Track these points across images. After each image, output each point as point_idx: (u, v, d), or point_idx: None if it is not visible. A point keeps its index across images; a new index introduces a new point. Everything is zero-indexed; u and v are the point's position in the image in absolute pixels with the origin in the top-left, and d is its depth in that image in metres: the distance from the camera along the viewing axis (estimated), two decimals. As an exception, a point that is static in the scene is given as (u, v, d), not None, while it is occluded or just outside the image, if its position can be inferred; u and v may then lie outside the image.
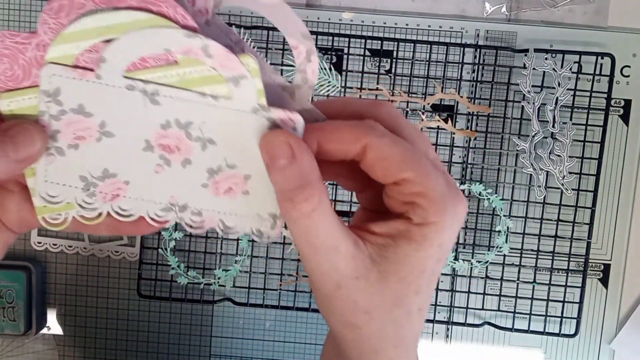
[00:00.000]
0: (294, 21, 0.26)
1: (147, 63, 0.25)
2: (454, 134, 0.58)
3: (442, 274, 0.60)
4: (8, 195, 0.29)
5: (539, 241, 0.59)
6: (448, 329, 0.62)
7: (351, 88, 0.58)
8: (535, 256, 0.59)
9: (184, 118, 0.26)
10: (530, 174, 0.57)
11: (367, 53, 0.58)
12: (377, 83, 0.58)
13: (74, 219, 0.28)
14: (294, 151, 0.25)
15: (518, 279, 0.59)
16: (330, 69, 0.57)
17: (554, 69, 0.55)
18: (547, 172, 0.57)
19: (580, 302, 0.59)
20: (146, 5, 0.24)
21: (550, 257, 0.59)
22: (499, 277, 0.59)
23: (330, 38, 0.57)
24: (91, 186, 0.27)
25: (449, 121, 0.58)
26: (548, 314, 0.59)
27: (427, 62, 0.58)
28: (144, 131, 0.26)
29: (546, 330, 0.59)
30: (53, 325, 0.61)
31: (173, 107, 0.25)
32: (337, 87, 0.57)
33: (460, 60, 0.57)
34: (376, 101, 0.29)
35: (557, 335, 0.59)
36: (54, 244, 0.60)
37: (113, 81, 0.25)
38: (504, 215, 0.58)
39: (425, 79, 0.58)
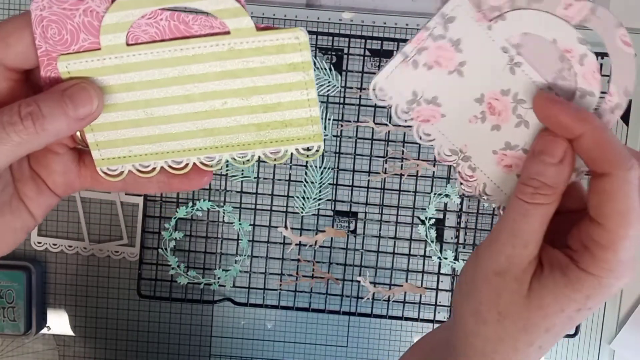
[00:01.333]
0: (630, 75, 0.29)
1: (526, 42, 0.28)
2: (454, 134, 0.58)
3: (442, 274, 0.60)
4: (54, 158, 0.30)
5: (539, 241, 0.59)
6: (448, 329, 0.62)
7: (351, 88, 0.58)
8: (535, 256, 0.59)
9: (522, 95, 0.29)
10: (530, 174, 0.57)
11: (367, 53, 0.58)
12: (377, 83, 0.58)
13: (130, 172, 0.29)
14: (565, 158, 0.27)
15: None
16: (330, 69, 0.57)
17: (554, 69, 0.55)
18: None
19: (580, 302, 0.59)
20: None
21: (550, 257, 0.59)
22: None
23: (330, 38, 0.57)
24: (415, 103, 0.29)
25: (449, 121, 0.58)
26: (548, 314, 0.59)
27: (427, 62, 0.58)
28: (487, 86, 0.29)
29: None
30: (53, 325, 0.61)
31: (521, 83, 0.28)
32: (337, 87, 0.57)
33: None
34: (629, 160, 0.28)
35: (557, 335, 0.59)
36: (54, 244, 0.60)
37: (497, 37, 0.28)
38: (504, 215, 0.58)
39: (425, 79, 0.58)
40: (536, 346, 0.29)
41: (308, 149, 0.29)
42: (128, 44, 0.27)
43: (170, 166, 0.29)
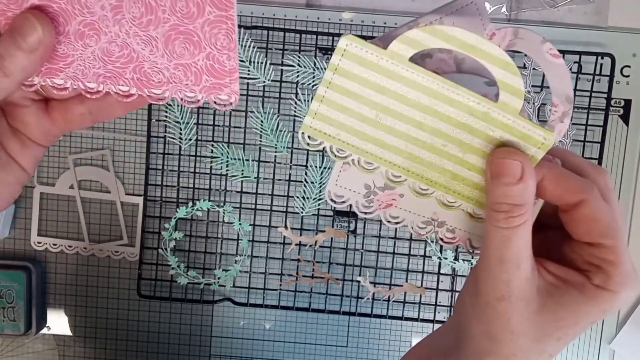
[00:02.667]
0: (566, 83, 0.29)
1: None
2: (454, 134, 0.58)
3: (442, 274, 0.60)
4: (25, 111, 0.32)
5: (539, 241, 0.59)
6: (448, 329, 0.62)
7: (351, 88, 0.58)
8: (535, 256, 0.59)
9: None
10: (530, 174, 0.57)
11: (367, 53, 0.58)
12: (377, 83, 0.58)
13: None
14: (524, 174, 0.28)
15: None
16: (330, 69, 0.57)
17: (554, 69, 0.55)
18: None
19: (580, 302, 0.59)
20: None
21: (550, 257, 0.59)
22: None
23: (330, 38, 0.57)
24: (371, 194, 0.31)
25: (449, 121, 0.58)
26: (548, 314, 0.59)
27: (427, 62, 0.57)
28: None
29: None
30: (53, 325, 0.61)
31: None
32: (337, 87, 0.57)
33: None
34: (599, 167, 0.31)
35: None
36: (54, 244, 0.60)
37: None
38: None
39: (425, 79, 0.58)
40: (547, 354, 0.30)
41: (473, 214, 0.32)
42: (410, 60, 0.28)
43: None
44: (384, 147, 0.30)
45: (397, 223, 0.32)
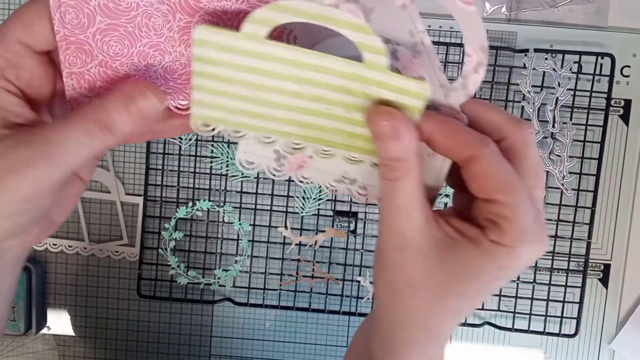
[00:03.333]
0: (479, 32, 0.29)
1: None
2: (454, 134, 0.58)
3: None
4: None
5: (539, 241, 0.59)
6: (448, 329, 0.62)
7: (351, 88, 0.58)
8: (535, 256, 0.59)
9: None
10: (530, 174, 0.57)
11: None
12: (377, 83, 0.58)
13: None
14: (399, 132, 0.28)
15: (518, 279, 0.59)
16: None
17: (554, 69, 0.55)
18: (547, 172, 0.57)
19: (580, 302, 0.59)
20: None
21: (550, 257, 0.59)
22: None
23: (330, 38, 0.57)
24: (280, 158, 0.32)
25: (449, 121, 0.58)
26: (548, 313, 0.59)
27: (427, 62, 0.57)
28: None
29: (546, 330, 0.59)
30: (53, 325, 0.61)
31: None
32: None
33: (460, 61, 0.57)
34: (520, 121, 0.31)
35: (557, 335, 0.59)
36: (54, 244, 0.60)
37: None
38: (504, 215, 0.58)
39: (425, 79, 0.58)
40: (452, 310, 0.30)
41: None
42: (268, 38, 0.29)
43: (258, 139, 0.32)
44: (274, 121, 0.31)
45: (310, 182, 0.32)
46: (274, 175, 0.32)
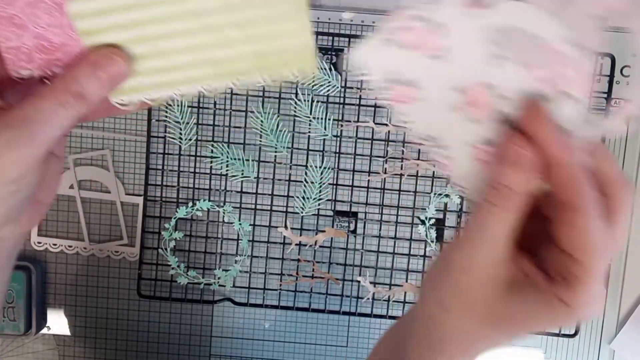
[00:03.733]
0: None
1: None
2: (454, 134, 0.58)
3: (442, 274, 0.60)
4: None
5: (539, 241, 0.59)
6: (448, 329, 0.62)
7: (351, 88, 0.58)
8: (535, 256, 0.59)
9: (506, 93, 0.28)
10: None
11: (367, 53, 0.58)
12: (377, 83, 0.58)
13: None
14: (528, 168, 0.28)
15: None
16: (330, 69, 0.57)
17: (554, 69, 0.55)
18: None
19: (580, 302, 0.59)
20: None
21: (550, 257, 0.59)
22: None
23: (330, 38, 0.57)
24: (392, 82, 0.29)
25: (449, 121, 0.58)
26: (548, 314, 0.59)
27: (427, 62, 0.57)
28: (470, 76, 0.28)
29: (546, 330, 0.59)
30: (53, 325, 0.61)
31: (507, 80, 0.28)
32: (337, 87, 0.57)
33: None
34: (627, 184, 0.30)
35: (557, 335, 0.59)
36: (54, 244, 0.60)
37: (486, 28, 0.27)
38: (504, 215, 0.58)
39: (425, 79, 0.58)
40: (493, 340, 0.31)
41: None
42: None
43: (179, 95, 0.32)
44: (183, 69, 0.31)
45: (403, 121, 0.30)
46: (373, 91, 0.29)
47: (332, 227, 0.60)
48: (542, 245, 0.30)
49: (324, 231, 0.59)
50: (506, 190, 0.28)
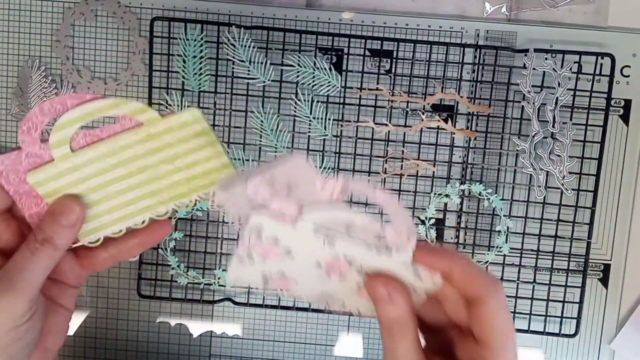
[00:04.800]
0: (404, 215, 0.33)
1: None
2: (454, 134, 0.58)
3: (442, 274, 0.60)
4: (60, 262, 0.38)
5: (539, 241, 0.59)
6: (448, 329, 0.62)
7: (351, 88, 0.58)
8: (535, 256, 0.59)
9: (350, 256, 0.34)
10: (530, 174, 0.57)
11: (367, 53, 0.58)
12: (377, 83, 0.58)
13: (107, 240, 0.39)
14: (394, 296, 0.33)
15: (518, 279, 0.59)
16: (330, 69, 0.57)
17: (554, 69, 0.55)
18: (547, 172, 0.57)
19: (580, 302, 0.59)
20: None
21: (550, 257, 0.59)
22: (499, 277, 0.59)
23: (330, 38, 0.57)
24: (268, 282, 0.36)
25: (449, 121, 0.58)
26: (548, 314, 0.59)
27: (427, 62, 0.58)
28: (319, 256, 0.35)
29: (546, 330, 0.59)
30: (53, 325, 0.61)
31: (345, 248, 0.34)
32: (337, 87, 0.57)
33: (460, 60, 0.57)
34: (495, 279, 0.33)
35: (557, 335, 0.59)
36: (54, 244, 0.60)
37: (304, 228, 0.34)
38: (504, 215, 0.58)
39: (425, 79, 0.58)
40: None
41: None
42: (73, 150, 0.36)
43: (134, 225, 0.38)
44: (132, 204, 0.38)
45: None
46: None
47: (332, 227, 0.59)
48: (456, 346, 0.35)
49: (323, 231, 0.59)
50: (390, 321, 0.33)
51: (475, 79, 0.59)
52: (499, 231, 0.58)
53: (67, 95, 0.35)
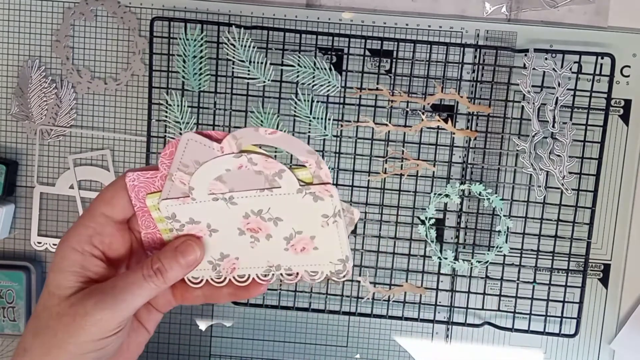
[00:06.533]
0: (297, 143, 0.34)
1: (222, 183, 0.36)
2: (454, 134, 0.58)
3: (442, 274, 0.60)
4: None
5: (539, 241, 0.59)
6: (448, 329, 0.62)
7: (351, 88, 0.58)
8: (535, 256, 0.59)
9: (255, 208, 0.36)
10: (530, 174, 0.57)
11: (367, 53, 0.58)
12: (377, 83, 0.58)
13: (207, 281, 0.39)
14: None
15: (518, 279, 0.59)
16: (330, 69, 0.57)
17: (554, 69, 0.55)
18: (547, 172, 0.57)
19: (580, 302, 0.59)
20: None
21: (550, 257, 0.59)
22: (499, 277, 0.59)
23: (330, 38, 0.57)
24: (216, 266, 0.38)
25: (449, 121, 0.58)
26: (548, 314, 0.59)
27: (427, 62, 0.58)
28: (235, 222, 0.36)
29: (546, 330, 0.59)
30: (53, 325, 0.61)
31: (246, 203, 0.36)
32: (337, 87, 0.57)
33: (460, 60, 0.57)
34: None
35: (557, 335, 0.59)
36: (54, 244, 0.60)
37: (203, 198, 0.36)
38: (504, 215, 0.58)
39: (425, 79, 0.58)
40: None
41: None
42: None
43: (236, 279, 0.38)
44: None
45: (245, 281, 0.38)
46: (217, 283, 0.38)
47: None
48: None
49: (323, 231, 0.59)
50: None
51: (475, 79, 0.59)
52: (499, 231, 0.58)
53: (224, 136, 0.35)
